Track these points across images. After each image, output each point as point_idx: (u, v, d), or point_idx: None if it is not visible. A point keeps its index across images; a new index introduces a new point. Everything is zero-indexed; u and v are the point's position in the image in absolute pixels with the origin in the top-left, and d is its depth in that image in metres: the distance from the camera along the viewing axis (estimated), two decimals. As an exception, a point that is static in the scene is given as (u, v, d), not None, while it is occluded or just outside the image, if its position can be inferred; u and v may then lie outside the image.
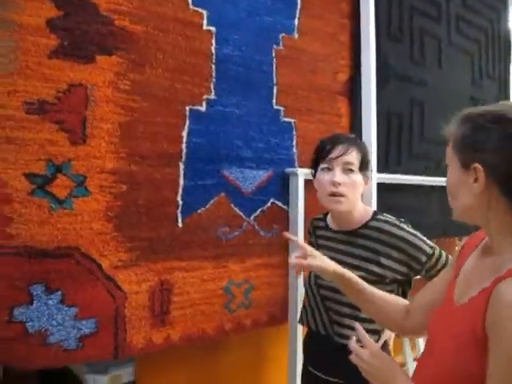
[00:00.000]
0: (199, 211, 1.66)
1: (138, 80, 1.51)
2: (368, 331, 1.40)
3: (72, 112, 1.40)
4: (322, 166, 1.43)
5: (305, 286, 1.58)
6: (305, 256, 1.17)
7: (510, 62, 3.38)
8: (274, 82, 1.86)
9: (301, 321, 1.60)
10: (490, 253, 0.88)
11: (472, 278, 0.89)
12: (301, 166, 1.92)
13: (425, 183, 2.49)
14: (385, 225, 1.41)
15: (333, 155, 1.40)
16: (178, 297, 1.62)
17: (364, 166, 1.43)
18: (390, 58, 2.33)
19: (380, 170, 2.17)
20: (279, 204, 1.89)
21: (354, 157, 1.40)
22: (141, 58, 1.51)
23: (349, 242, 1.46)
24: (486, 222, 0.87)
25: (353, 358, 1.01)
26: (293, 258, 1.16)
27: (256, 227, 1.82)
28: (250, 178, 1.78)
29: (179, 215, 1.61)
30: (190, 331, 1.65)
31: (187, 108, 1.62)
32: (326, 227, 1.54)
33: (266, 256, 1.85)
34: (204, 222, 1.67)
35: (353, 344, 1.02)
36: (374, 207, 2.07)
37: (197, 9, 1.64)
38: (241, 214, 1.77)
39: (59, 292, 1.38)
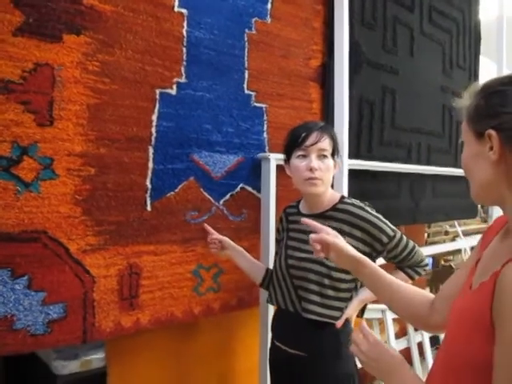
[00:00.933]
0: (168, 195, 1.65)
1: (107, 61, 1.48)
2: (335, 309, 1.48)
3: (38, 93, 1.36)
4: (298, 153, 1.49)
5: (274, 267, 1.62)
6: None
7: (479, 53, 3.45)
8: (246, 66, 1.85)
9: (270, 300, 1.64)
10: (510, 235, 0.84)
11: (489, 262, 0.84)
12: (271, 151, 1.93)
13: (395, 170, 2.54)
14: (350, 207, 1.49)
15: (308, 143, 1.47)
16: (146, 280, 1.62)
17: (335, 151, 1.52)
18: (363, 45, 2.34)
19: (351, 156, 2.19)
20: (249, 189, 1.90)
21: (327, 143, 1.48)
22: (110, 39, 1.48)
23: (318, 223, 1.50)
24: (505, 197, 0.82)
25: (353, 348, 1.00)
26: (316, 236, 1.13)
27: (225, 211, 1.83)
28: (220, 163, 1.78)
29: (148, 199, 1.60)
30: (158, 314, 1.66)
31: (157, 91, 1.60)
32: (298, 212, 1.60)
33: (236, 240, 1.84)
34: (173, 206, 1.67)
35: (355, 335, 1.00)
36: (346, 193, 2.10)
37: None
38: (210, 198, 1.77)
39: (26, 277, 1.36)
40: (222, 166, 1.79)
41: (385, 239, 1.47)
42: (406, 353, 3.05)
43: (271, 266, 1.88)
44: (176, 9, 1.64)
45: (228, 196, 1.83)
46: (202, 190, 1.74)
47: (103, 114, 1.48)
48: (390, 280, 1.10)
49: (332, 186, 1.57)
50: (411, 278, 1.57)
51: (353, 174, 2.19)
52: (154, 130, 1.60)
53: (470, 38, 3.33)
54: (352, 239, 1.45)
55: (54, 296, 1.41)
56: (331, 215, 1.50)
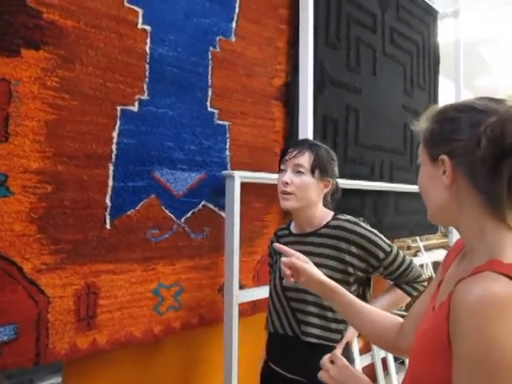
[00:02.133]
0: (128, 213, 1.63)
1: (67, 77, 1.45)
2: (335, 331, 1.46)
3: (-7, 108, 1.33)
4: (280, 167, 1.51)
5: (270, 291, 1.60)
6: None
7: (438, 74, 3.56)
8: (209, 84, 1.86)
9: (268, 327, 1.60)
10: (466, 256, 0.86)
11: (449, 283, 0.84)
12: (233, 169, 1.93)
13: (359, 187, 2.57)
14: (345, 223, 1.48)
15: (286, 157, 1.49)
16: (105, 300, 1.58)
17: (317, 168, 1.48)
18: (327, 64, 2.38)
19: (314, 174, 2.21)
20: (210, 206, 1.89)
21: (304, 159, 1.47)
22: (70, 55, 1.46)
23: (311, 242, 1.50)
24: (458, 220, 0.84)
25: (321, 374, 0.99)
26: (286, 259, 1.14)
27: (186, 229, 1.81)
28: (182, 180, 1.77)
29: (107, 217, 1.57)
30: (117, 335, 1.62)
31: (118, 108, 1.58)
32: (289, 233, 1.59)
33: (197, 258, 1.84)
34: (133, 224, 1.64)
35: (324, 360, 1.00)
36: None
37: (132, 7, 1.61)
38: (171, 216, 1.75)
39: (-27, 298, 1.31)
40: (183, 184, 1.78)
41: (381, 255, 1.45)
42: (371, 368, 3.07)
43: (235, 284, 1.88)
44: (140, 25, 1.63)
45: (189, 214, 1.81)
46: (163, 207, 1.72)
47: (62, 130, 1.45)
48: (361, 306, 1.11)
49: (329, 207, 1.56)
50: (409, 294, 1.54)
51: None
52: (114, 147, 1.57)
53: (429, 60, 3.44)
54: (348, 255, 1.44)
55: (4, 317, 1.36)
56: (325, 233, 1.48)
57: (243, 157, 2.00)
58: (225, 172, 1.89)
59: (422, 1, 3.34)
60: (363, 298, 1.51)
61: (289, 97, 2.19)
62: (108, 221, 1.57)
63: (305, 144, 1.52)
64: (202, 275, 1.87)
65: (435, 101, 3.51)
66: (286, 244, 1.55)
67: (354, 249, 1.45)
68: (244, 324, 1.94)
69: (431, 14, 3.49)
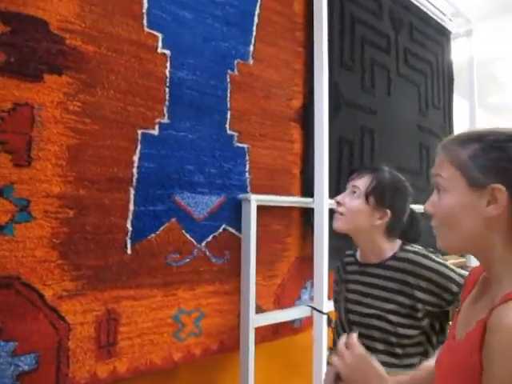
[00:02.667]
0: (149, 237, 1.61)
1: (89, 101, 1.46)
2: (405, 366, 1.35)
3: (17, 132, 1.32)
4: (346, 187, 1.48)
5: (335, 325, 1.54)
6: None
7: (452, 93, 3.55)
8: (228, 107, 1.86)
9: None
10: (489, 284, 0.84)
11: (471, 313, 0.84)
12: (253, 192, 1.92)
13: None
14: (414, 255, 1.39)
15: (349, 177, 1.46)
16: (125, 327, 1.55)
17: (372, 195, 1.40)
18: (342, 86, 2.38)
19: (331, 195, 2.19)
20: (231, 230, 1.87)
21: (361, 182, 1.41)
22: (92, 79, 1.46)
23: (376, 274, 1.43)
24: (488, 250, 0.81)
25: (336, 360, 0.96)
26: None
27: (207, 253, 1.78)
28: (202, 204, 1.76)
29: (128, 242, 1.55)
30: (137, 362, 1.58)
31: (139, 131, 1.58)
32: (355, 261, 1.51)
33: (217, 283, 1.81)
34: (154, 249, 1.62)
35: (340, 347, 0.97)
36: (326, 233, 2.09)
37: (152, 31, 1.62)
38: (192, 240, 1.73)
39: (-4, 325, 1.29)
40: (204, 207, 1.76)
41: (454, 288, 1.33)
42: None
43: (252, 308, 1.84)
44: (159, 50, 1.64)
45: (210, 237, 1.79)
46: (183, 231, 1.71)
47: (83, 154, 1.45)
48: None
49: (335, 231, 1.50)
50: None
51: (333, 213, 2.17)
52: (135, 170, 1.56)
53: (443, 79, 3.43)
54: (418, 291, 1.35)
55: (25, 346, 1.33)
56: (391, 265, 1.40)
57: (262, 179, 1.98)
58: (241, 195, 1.88)
59: (434, 21, 3.36)
60: (441, 332, 1.41)
61: (306, 118, 2.18)
62: (129, 246, 1.55)
63: (368, 168, 1.46)
64: (223, 300, 1.84)
65: (450, 120, 3.50)
66: (351, 273, 1.51)
67: (423, 283, 1.35)
68: (264, 350, 1.90)
69: (444, 34, 3.49)
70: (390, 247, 1.43)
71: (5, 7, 1.30)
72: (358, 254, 1.52)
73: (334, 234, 2.13)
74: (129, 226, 1.55)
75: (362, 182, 1.41)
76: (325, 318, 2.09)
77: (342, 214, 1.41)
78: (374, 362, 0.96)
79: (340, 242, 2.26)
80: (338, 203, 1.42)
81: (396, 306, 1.35)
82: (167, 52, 1.66)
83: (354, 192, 1.41)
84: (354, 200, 1.40)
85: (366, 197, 1.39)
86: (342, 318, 1.48)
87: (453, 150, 0.85)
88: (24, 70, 1.33)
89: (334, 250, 2.18)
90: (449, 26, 3.51)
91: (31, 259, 1.35)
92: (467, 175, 0.82)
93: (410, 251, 1.40)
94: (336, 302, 1.60)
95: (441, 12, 3.41)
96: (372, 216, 1.40)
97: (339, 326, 1.50)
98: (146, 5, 1.60)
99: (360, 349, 0.95)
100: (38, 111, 1.36)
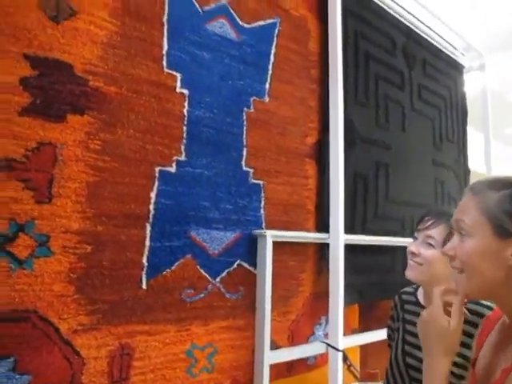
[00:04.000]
0: (164, 273, 1.63)
1: (109, 140, 1.50)
2: None
3: (39, 171, 1.37)
4: (414, 235, 1.45)
5: (390, 363, 1.51)
6: None
7: (466, 126, 3.56)
8: (244, 144, 1.89)
9: None
10: (511, 332, 0.82)
11: (494, 360, 0.82)
12: (268, 228, 1.93)
13: (390, 244, 2.53)
14: (484, 309, 1.33)
15: (419, 226, 1.43)
16: (138, 362, 1.56)
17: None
18: (357, 122, 2.41)
19: (347, 231, 2.20)
20: (246, 266, 1.88)
21: (437, 231, 1.38)
22: (112, 119, 1.51)
23: None
24: (504, 296, 0.81)
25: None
26: None
27: (221, 289, 1.79)
28: (217, 240, 1.77)
29: (144, 277, 1.57)
30: (149, 398, 1.59)
31: (157, 169, 1.61)
32: (416, 302, 1.49)
33: (231, 318, 1.81)
34: (169, 284, 1.63)
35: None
36: (342, 268, 2.09)
37: (171, 72, 1.67)
38: (206, 275, 1.75)
39: (11, 358, 1.30)
40: (219, 243, 1.78)
41: None
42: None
43: (267, 344, 1.83)
44: (178, 89, 1.69)
45: (225, 273, 1.80)
46: (198, 267, 1.72)
47: (102, 191, 1.48)
48: None
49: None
50: None
51: (348, 248, 2.18)
52: (152, 207, 1.59)
53: (457, 112, 3.45)
54: None
55: (40, 379, 1.34)
56: None
57: (277, 215, 2.00)
58: (257, 231, 1.89)
59: (447, 56, 3.39)
60: None
61: (321, 154, 2.21)
62: (144, 281, 1.57)
63: (441, 215, 1.42)
64: (236, 336, 1.83)
65: (464, 153, 3.50)
66: (410, 313, 1.48)
67: None
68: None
69: (457, 68, 3.52)
70: None
71: (33, 52, 1.36)
72: (420, 296, 1.48)
73: (349, 270, 2.14)
74: (144, 261, 1.57)
75: (438, 232, 1.38)
76: (340, 355, 2.07)
77: (420, 264, 1.38)
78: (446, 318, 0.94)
79: (355, 278, 2.27)
80: (413, 253, 1.39)
81: (459, 358, 1.29)
82: (185, 91, 1.71)
83: (429, 243, 1.38)
84: (430, 250, 1.37)
85: (444, 246, 1.36)
86: (399, 359, 1.45)
87: (481, 195, 0.83)
88: (48, 110, 1.38)
89: (349, 286, 2.17)
90: (461, 60, 3.54)
91: (49, 293, 1.38)
92: (494, 222, 0.81)
93: (483, 305, 1.33)
94: (390, 338, 1.57)
95: (453, 47, 3.45)
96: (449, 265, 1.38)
97: (394, 367, 1.46)
98: (165, 47, 1.66)
99: (439, 302, 0.95)
100: (60, 150, 1.40)
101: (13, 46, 1.33)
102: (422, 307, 1.44)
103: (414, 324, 1.43)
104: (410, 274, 1.41)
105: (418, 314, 1.39)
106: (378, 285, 2.41)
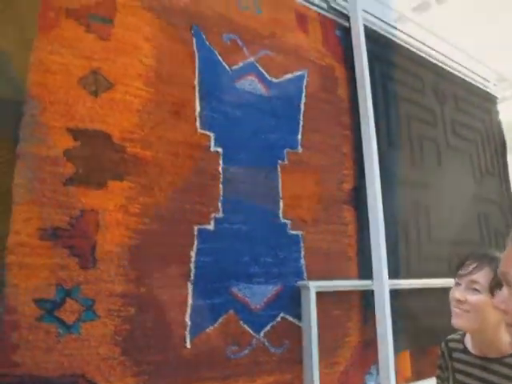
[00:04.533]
0: (208, 330, 1.62)
1: (148, 203, 1.55)
2: None
3: (83, 237, 1.42)
4: (455, 280, 1.38)
5: None
6: None
7: (506, 156, 3.47)
8: (280, 195, 1.91)
9: None
10: None
11: None
12: (310, 278, 1.91)
13: (437, 285, 2.45)
14: None
15: (461, 271, 1.36)
16: (186, 423, 1.54)
17: (497, 287, 1.33)
18: (392, 164, 2.40)
19: (391, 276, 2.15)
20: (290, 318, 1.85)
21: (481, 276, 1.31)
22: (150, 182, 1.57)
23: (496, 371, 1.32)
24: None
25: None
26: None
27: (266, 344, 1.77)
28: (259, 294, 1.77)
29: (187, 336, 1.57)
30: None
31: (196, 227, 1.64)
32: (464, 350, 1.42)
33: (278, 373, 1.78)
34: (213, 342, 1.63)
35: None
36: (388, 316, 2.03)
37: (204, 132, 1.73)
38: (250, 330, 1.73)
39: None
40: (261, 297, 1.77)
41: None
42: None
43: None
44: (212, 148, 1.74)
45: (268, 327, 1.79)
46: (241, 322, 1.71)
47: (143, 253, 1.52)
48: None
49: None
50: None
51: (394, 294, 2.12)
52: (192, 265, 1.62)
53: (494, 143, 3.38)
54: None
55: None
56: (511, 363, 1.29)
57: (319, 264, 1.98)
58: (299, 283, 1.88)
59: (479, 89, 3.37)
60: None
61: (358, 200, 2.19)
62: (188, 340, 1.57)
63: (484, 258, 1.35)
64: (284, 391, 1.80)
65: (507, 185, 3.40)
66: (459, 361, 1.41)
67: None
68: None
69: (490, 99, 3.48)
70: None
71: (75, 125, 1.44)
72: (468, 343, 1.41)
73: (396, 316, 2.07)
74: (187, 320, 1.58)
75: (483, 276, 1.31)
76: (394, 405, 1.98)
77: (467, 311, 1.30)
78: None
79: (403, 323, 2.20)
80: (459, 301, 1.30)
81: None
82: (219, 149, 1.75)
83: (475, 288, 1.31)
84: (476, 295, 1.30)
85: (491, 290, 1.28)
86: None
87: None
88: (90, 179, 1.45)
89: (398, 332, 2.10)
90: (494, 90, 3.50)
91: (95, 357, 1.40)
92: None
93: None
94: None
95: (484, 79, 3.42)
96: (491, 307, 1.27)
97: None
98: (198, 108, 1.73)
99: None
100: (102, 216, 1.45)
101: (57, 121, 1.42)
102: (471, 355, 1.37)
103: (464, 373, 1.37)
104: (457, 322, 1.34)
105: (467, 363, 1.35)
106: (428, 329, 2.32)
